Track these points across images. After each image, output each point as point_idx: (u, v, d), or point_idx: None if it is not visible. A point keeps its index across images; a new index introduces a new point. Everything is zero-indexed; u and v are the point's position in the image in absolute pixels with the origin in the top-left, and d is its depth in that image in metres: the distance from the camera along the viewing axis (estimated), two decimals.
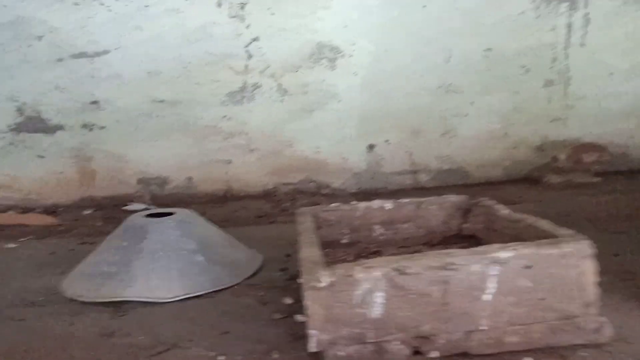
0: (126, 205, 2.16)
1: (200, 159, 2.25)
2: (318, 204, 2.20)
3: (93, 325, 1.09)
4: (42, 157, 2.17)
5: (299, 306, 1.12)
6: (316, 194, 2.31)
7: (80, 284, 1.24)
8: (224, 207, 2.15)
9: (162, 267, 1.22)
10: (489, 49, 2.30)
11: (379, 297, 0.82)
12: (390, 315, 0.83)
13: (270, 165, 2.31)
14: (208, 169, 2.26)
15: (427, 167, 2.39)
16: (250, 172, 2.30)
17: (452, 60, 2.30)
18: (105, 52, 2.09)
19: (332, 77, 2.26)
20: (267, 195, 2.30)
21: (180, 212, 1.40)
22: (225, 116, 2.22)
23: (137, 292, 1.16)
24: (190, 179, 2.27)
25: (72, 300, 1.21)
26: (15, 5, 2.02)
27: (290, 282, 1.27)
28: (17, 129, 2.14)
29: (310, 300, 0.82)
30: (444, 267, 0.82)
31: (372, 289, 0.82)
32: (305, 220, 1.20)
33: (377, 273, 0.82)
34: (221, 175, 2.28)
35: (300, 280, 1.08)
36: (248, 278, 1.31)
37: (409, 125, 2.34)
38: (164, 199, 2.23)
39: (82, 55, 2.09)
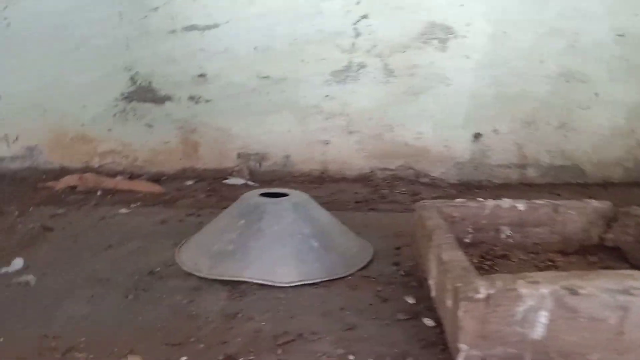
0: (226, 178, 2.18)
1: (299, 137, 2.22)
2: (417, 193, 2.12)
3: (214, 304, 1.08)
4: (150, 126, 2.24)
5: (422, 307, 1.06)
6: (415, 182, 2.21)
7: (197, 258, 1.25)
8: (320, 188, 2.11)
9: (279, 251, 1.19)
10: (622, 34, 2.05)
11: (543, 317, 0.73)
12: (554, 338, 0.73)
13: (368, 149, 2.23)
14: (306, 149, 2.23)
15: (538, 162, 2.21)
16: (347, 155, 2.24)
17: (577, 45, 2.08)
18: (216, 25, 2.09)
19: (442, 59, 2.12)
20: (364, 179, 2.23)
21: (295, 194, 1.36)
22: (327, 95, 2.16)
23: (256, 274, 1.15)
24: (288, 157, 2.25)
25: (188, 274, 1.22)
26: None
27: (407, 279, 1.21)
28: (129, 97, 2.21)
29: (463, 312, 0.74)
30: (624, 291, 0.71)
31: (536, 307, 0.73)
32: (431, 215, 1.12)
33: (544, 290, 0.72)
34: (318, 155, 2.24)
35: (431, 282, 1.01)
36: (360, 269, 1.26)
37: (522, 115, 2.16)
38: (262, 176, 2.23)
39: (193, 27, 2.10)
